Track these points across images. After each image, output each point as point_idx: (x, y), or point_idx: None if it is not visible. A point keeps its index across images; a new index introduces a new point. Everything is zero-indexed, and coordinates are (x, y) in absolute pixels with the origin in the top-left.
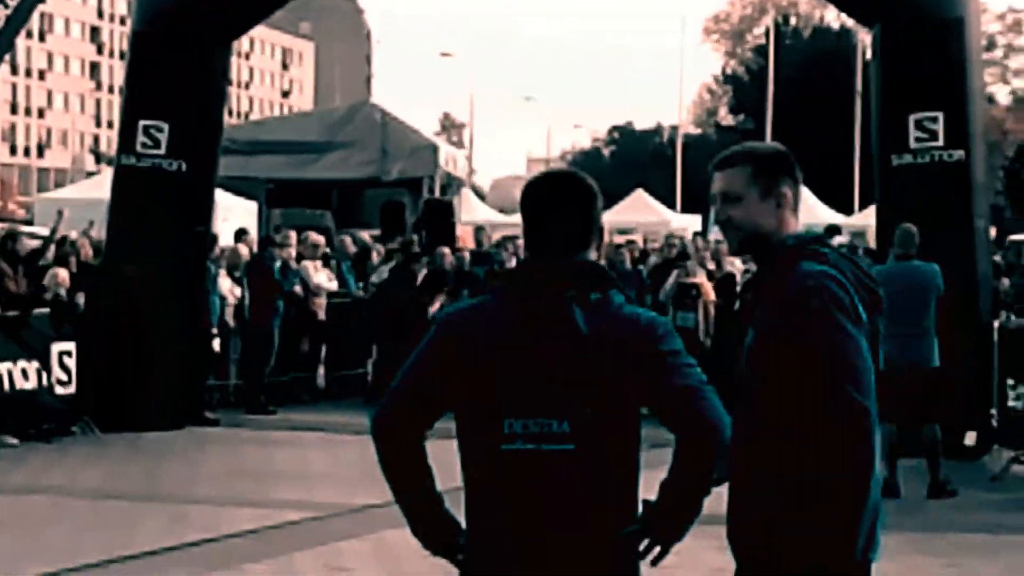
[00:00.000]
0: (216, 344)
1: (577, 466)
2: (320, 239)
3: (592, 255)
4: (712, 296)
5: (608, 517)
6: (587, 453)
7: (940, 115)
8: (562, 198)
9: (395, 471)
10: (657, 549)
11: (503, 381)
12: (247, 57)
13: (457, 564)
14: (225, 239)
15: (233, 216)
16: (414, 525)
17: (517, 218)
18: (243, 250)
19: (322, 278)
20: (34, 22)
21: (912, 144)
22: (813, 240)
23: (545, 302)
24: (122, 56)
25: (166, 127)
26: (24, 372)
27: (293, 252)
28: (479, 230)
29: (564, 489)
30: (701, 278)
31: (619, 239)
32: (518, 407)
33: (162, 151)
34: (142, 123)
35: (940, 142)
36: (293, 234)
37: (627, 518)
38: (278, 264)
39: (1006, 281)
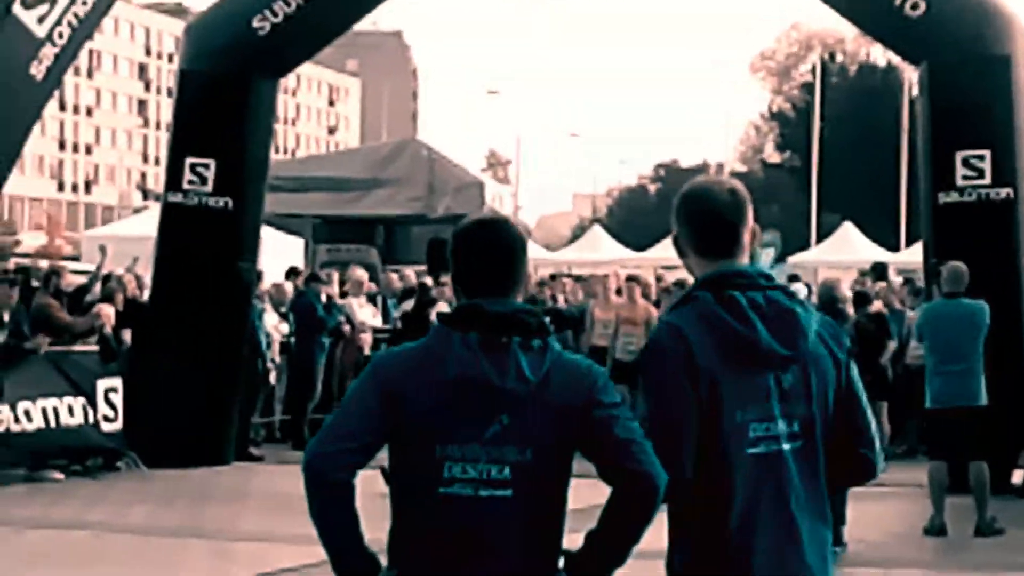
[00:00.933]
0: (272, 377)
1: (514, 512)
2: (364, 275)
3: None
4: None
5: (538, 563)
6: (523, 498)
7: (987, 153)
8: (499, 244)
9: (323, 507)
10: None
11: (443, 424)
12: (294, 94)
13: None
14: (272, 276)
15: (279, 253)
16: (335, 560)
17: (563, 255)
18: (288, 287)
19: (367, 314)
20: (82, 59)
21: (959, 182)
22: (700, 285)
23: (489, 346)
24: (169, 93)
25: (213, 164)
26: (70, 408)
27: (336, 289)
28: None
29: (499, 534)
30: None
31: (667, 276)
32: (459, 451)
33: (209, 188)
34: (189, 161)
35: (987, 180)
36: (336, 273)
37: (554, 564)
38: (323, 301)
39: None
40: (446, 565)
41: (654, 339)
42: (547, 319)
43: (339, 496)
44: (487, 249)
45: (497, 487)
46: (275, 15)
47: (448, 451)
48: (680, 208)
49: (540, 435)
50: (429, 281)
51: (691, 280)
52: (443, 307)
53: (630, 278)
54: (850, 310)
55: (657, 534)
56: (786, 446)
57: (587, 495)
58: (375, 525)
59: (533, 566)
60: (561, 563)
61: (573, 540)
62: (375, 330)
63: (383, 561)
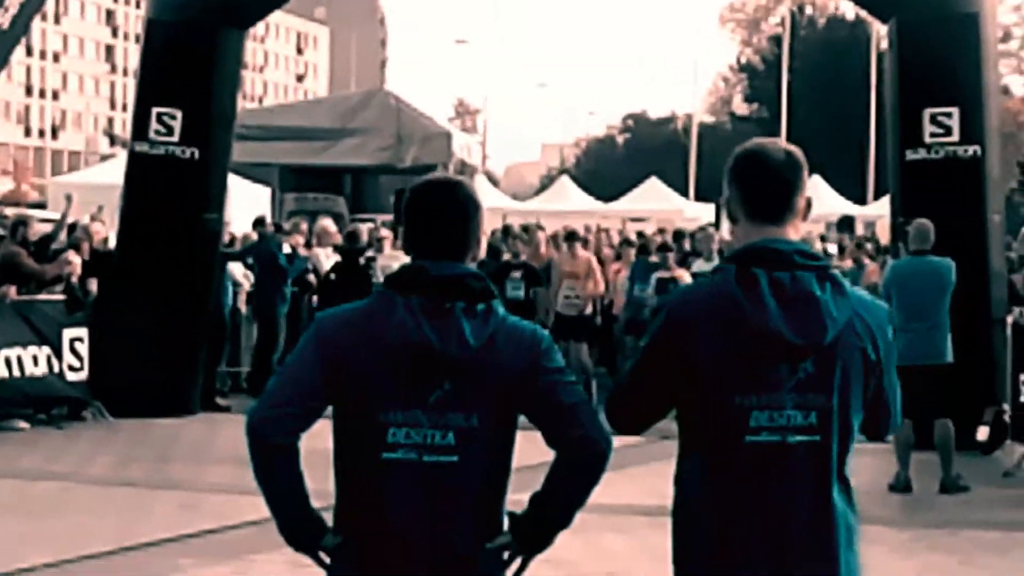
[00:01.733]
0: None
1: (458, 477)
2: (331, 225)
3: (471, 264)
4: None
5: (481, 526)
6: (469, 464)
7: (955, 111)
8: (449, 207)
9: (267, 471)
10: (519, 560)
11: (386, 389)
12: (262, 41)
13: (321, 564)
14: (239, 226)
15: (246, 201)
16: (281, 523)
17: (531, 204)
18: (255, 237)
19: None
20: (49, 4)
21: (927, 139)
22: (730, 257)
23: (432, 311)
24: (137, 39)
25: (179, 114)
26: (35, 358)
27: (301, 239)
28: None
29: (444, 500)
30: (679, 272)
31: (632, 227)
32: (402, 416)
33: (175, 138)
34: (155, 110)
35: (955, 137)
36: (304, 223)
37: (498, 527)
38: (286, 251)
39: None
40: (391, 531)
41: (660, 311)
42: (492, 285)
43: (282, 460)
44: (436, 211)
45: (441, 453)
46: None
47: (391, 417)
48: (733, 168)
49: (484, 401)
50: (363, 230)
51: (655, 234)
52: (387, 260)
53: (569, 235)
54: None
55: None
56: (796, 438)
57: (531, 453)
58: (322, 476)
59: (479, 530)
60: (506, 525)
61: (517, 501)
62: None
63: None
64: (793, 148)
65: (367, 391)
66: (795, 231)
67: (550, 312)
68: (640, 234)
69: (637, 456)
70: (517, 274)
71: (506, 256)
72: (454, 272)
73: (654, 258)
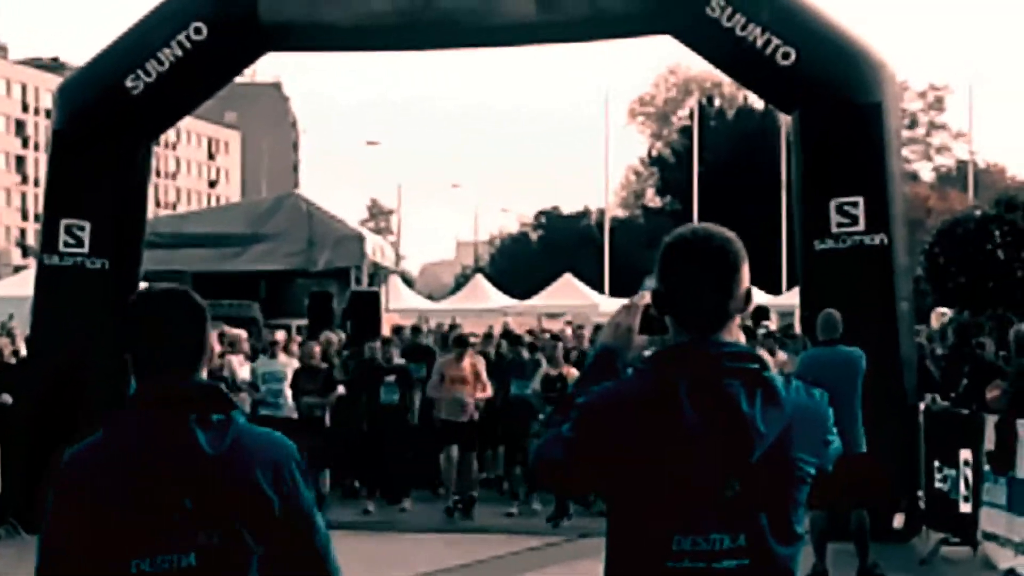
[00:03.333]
0: None
1: None
2: (242, 333)
3: (203, 374)
4: None
5: None
6: None
7: (860, 200)
8: (179, 317)
9: None
10: None
11: (126, 515)
12: (174, 147)
13: None
14: None
15: None
16: None
17: (447, 304)
18: None
19: (246, 372)
20: None
21: (834, 229)
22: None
23: (165, 425)
24: (47, 150)
25: (88, 226)
26: None
27: (218, 348)
28: (414, 327)
29: None
30: (566, 369)
31: (547, 324)
32: (145, 542)
33: (85, 249)
34: (64, 222)
35: (861, 227)
36: (215, 333)
37: None
38: None
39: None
40: None
41: (576, 410)
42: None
43: None
44: (159, 324)
45: (185, 575)
46: (148, 75)
47: (134, 545)
48: (661, 263)
49: (224, 515)
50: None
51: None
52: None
53: (458, 339)
54: None
55: None
56: (724, 563)
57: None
58: None
59: None
60: None
61: None
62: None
63: None
64: (729, 235)
65: (108, 523)
66: (729, 332)
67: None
68: (552, 334)
69: (555, 555)
70: (391, 378)
71: (379, 361)
72: (186, 382)
73: (526, 354)
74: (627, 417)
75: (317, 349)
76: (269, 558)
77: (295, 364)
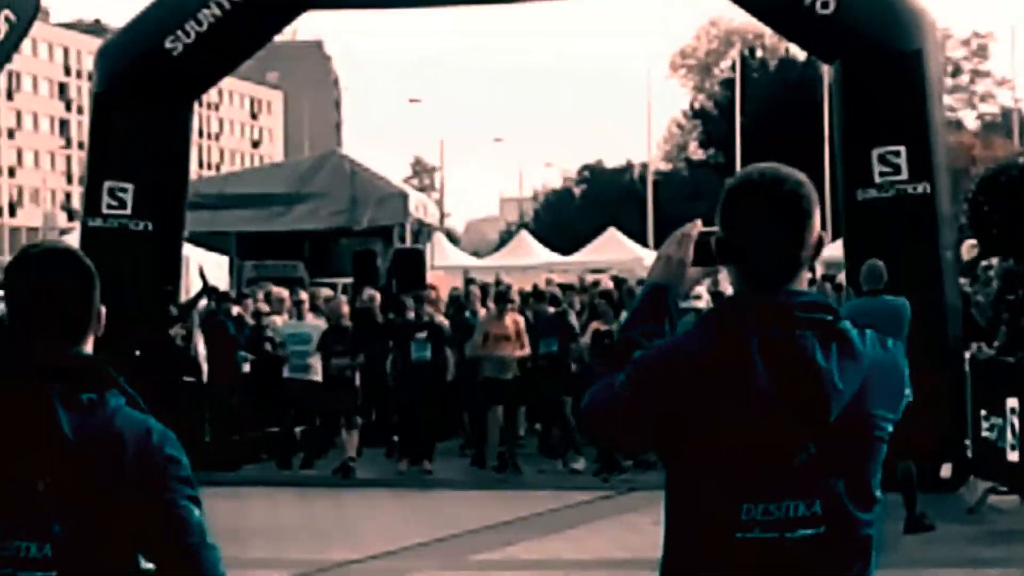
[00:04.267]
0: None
1: None
2: (284, 293)
3: (89, 347)
4: None
5: None
6: None
7: (903, 149)
8: (59, 280)
9: None
10: None
11: None
12: (216, 108)
13: None
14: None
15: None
16: None
17: (492, 260)
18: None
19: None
20: (1, 80)
21: (876, 179)
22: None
23: (25, 400)
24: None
25: (131, 188)
26: None
27: (259, 307)
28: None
29: None
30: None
31: (590, 278)
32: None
33: (128, 212)
34: (107, 184)
35: (904, 175)
36: (261, 292)
37: None
38: (234, 317)
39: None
40: None
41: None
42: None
43: None
44: (35, 288)
45: (41, 567)
46: (187, 35)
47: None
48: (724, 206)
49: (83, 505)
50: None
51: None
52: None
53: (499, 295)
54: None
55: None
56: (798, 532)
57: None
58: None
59: None
60: None
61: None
62: None
63: None
64: (800, 177)
65: None
66: (800, 282)
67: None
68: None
69: (603, 510)
70: (422, 335)
71: (410, 314)
72: (58, 354)
73: (550, 310)
74: (689, 375)
75: (345, 308)
76: (148, 548)
77: (322, 326)
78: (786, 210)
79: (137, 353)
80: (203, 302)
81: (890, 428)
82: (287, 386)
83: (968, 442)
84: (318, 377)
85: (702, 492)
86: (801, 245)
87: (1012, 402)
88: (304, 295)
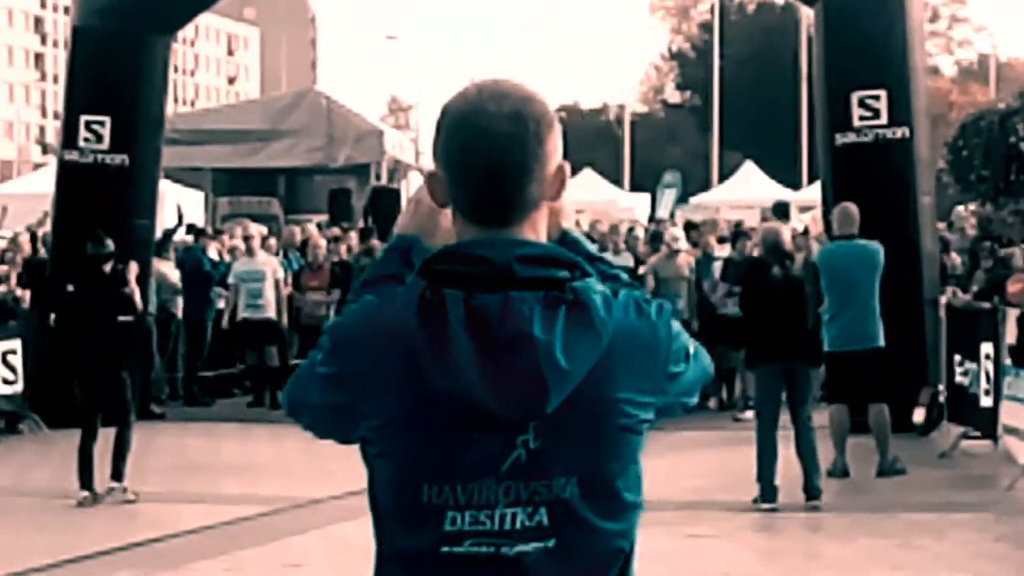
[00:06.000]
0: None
1: None
2: (262, 229)
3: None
4: None
5: None
6: None
7: (883, 93)
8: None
9: None
10: None
11: None
12: (192, 44)
13: None
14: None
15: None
16: None
17: None
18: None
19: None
20: None
21: (855, 122)
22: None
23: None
24: (67, 46)
25: (108, 121)
26: None
27: (230, 243)
28: None
29: None
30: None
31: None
32: None
33: (105, 146)
34: (84, 118)
35: (883, 120)
36: (239, 228)
37: None
38: (212, 256)
39: (956, 257)
40: None
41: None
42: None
43: None
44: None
45: None
46: None
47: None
48: (437, 138)
49: None
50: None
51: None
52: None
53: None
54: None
55: None
56: (517, 548)
57: None
58: None
59: None
60: None
61: None
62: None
63: None
64: (528, 93)
65: None
66: (533, 228)
67: None
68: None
69: None
70: None
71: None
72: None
73: None
74: (380, 348)
75: (322, 243)
76: None
77: (274, 262)
78: (505, 136)
79: (70, 288)
80: (180, 236)
81: (649, 415)
82: (241, 326)
83: (942, 387)
84: (271, 314)
85: (403, 498)
86: (528, 178)
87: (987, 348)
88: (255, 230)
